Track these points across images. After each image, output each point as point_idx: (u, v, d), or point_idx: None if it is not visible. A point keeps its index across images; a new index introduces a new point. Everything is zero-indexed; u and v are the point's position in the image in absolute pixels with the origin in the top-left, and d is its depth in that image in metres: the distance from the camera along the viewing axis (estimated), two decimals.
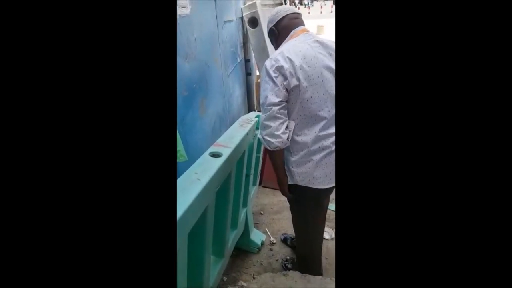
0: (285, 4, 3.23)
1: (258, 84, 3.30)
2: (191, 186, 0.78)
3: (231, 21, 2.22)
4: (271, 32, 1.13)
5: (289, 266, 1.46)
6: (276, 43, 1.12)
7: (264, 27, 2.53)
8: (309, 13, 15.18)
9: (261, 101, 0.98)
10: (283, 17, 1.07)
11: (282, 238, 1.67)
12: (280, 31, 1.08)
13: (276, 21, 1.09)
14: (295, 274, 1.24)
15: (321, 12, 15.20)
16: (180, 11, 1.25)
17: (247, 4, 2.59)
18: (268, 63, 0.97)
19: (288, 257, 1.53)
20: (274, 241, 1.67)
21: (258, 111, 3.20)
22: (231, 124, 2.12)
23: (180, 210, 0.68)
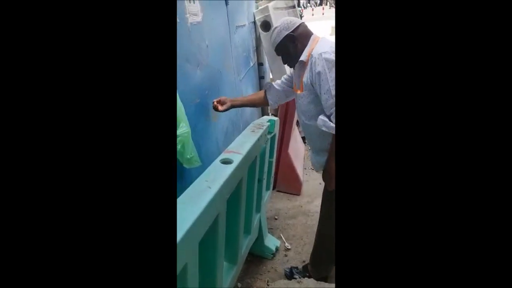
0: (298, 6, 3.21)
1: None
2: (202, 194, 0.79)
3: (243, 25, 2.23)
4: (288, 38, 1.13)
5: (296, 277, 1.41)
6: (296, 48, 1.14)
7: None
8: (313, 14, 15.44)
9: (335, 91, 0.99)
10: (299, 25, 1.13)
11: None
12: (298, 37, 1.12)
13: (293, 28, 1.12)
14: (309, 282, 1.21)
15: (312, 15, 15.52)
16: (191, 19, 1.27)
17: (260, 8, 2.60)
18: (329, 56, 1.00)
19: (298, 267, 1.49)
20: (289, 247, 1.64)
21: (272, 114, 3.19)
22: (244, 128, 2.12)
23: (190, 219, 0.69)
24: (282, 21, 1.15)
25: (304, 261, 1.52)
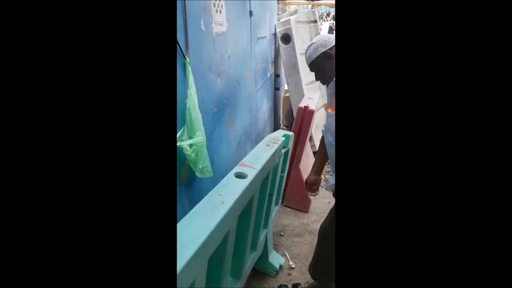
0: (318, 21, 3.22)
1: (285, 99, 3.29)
2: (215, 210, 0.77)
3: (264, 37, 2.24)
4: (325, 56, 1.08)
5: None
6: (332, 67, 1.08)
7: (297, 43, 2.54)
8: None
9: None
10: None
11: None
12: (335, 55, 1.07)
13: (330, 46, 1.08)
14: None
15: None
16: (216, 28, 1.27)
17: (281, 20, 2.62)
18: None
19: (288, 285, 1.45)
20: (293, 266, 1.59)
21: (285, 126, 3.18)
22: (256, 139, 2.11)
23: (203, 236, 0.66)
24: (320, 37, 1.11)
25: (307, 282, 1.47)
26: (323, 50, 1.08)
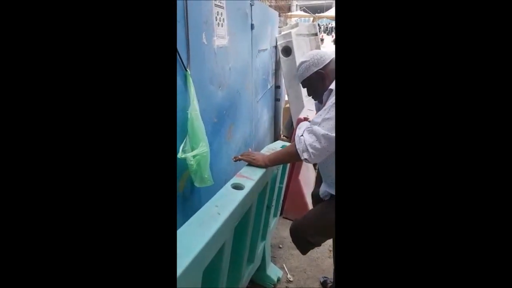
0: (319, 34, 3.29)
1: (285, 109, 3.32)
2: (211, 221, 0.77)
3: (265, 50, 2.28)
4: (317, 75, 1.07)
5: None
6: (324, 86, 1.07)
7: (298, 56, 2.58)
8: (332, 41, 15.84)
9: None
10: (330, 62, 1.07)
11: (322, 281, 1.55)
12: (329, 73, 1.07)
13: (323, 65, 1.06)
14: None
15: (332, 42, 15.96)
16: (218, 42, 1.31)
17: (282, 33, 2.68)
18: None
19: None
20: (291, 279, 1.57)
21: (284, 136, 3.20)
22: (256, 149, 2.12)
23: (197, 248, 0.66)
24: (312, 55, 1.09)
25: None
26: (316, 69, 1.07)
